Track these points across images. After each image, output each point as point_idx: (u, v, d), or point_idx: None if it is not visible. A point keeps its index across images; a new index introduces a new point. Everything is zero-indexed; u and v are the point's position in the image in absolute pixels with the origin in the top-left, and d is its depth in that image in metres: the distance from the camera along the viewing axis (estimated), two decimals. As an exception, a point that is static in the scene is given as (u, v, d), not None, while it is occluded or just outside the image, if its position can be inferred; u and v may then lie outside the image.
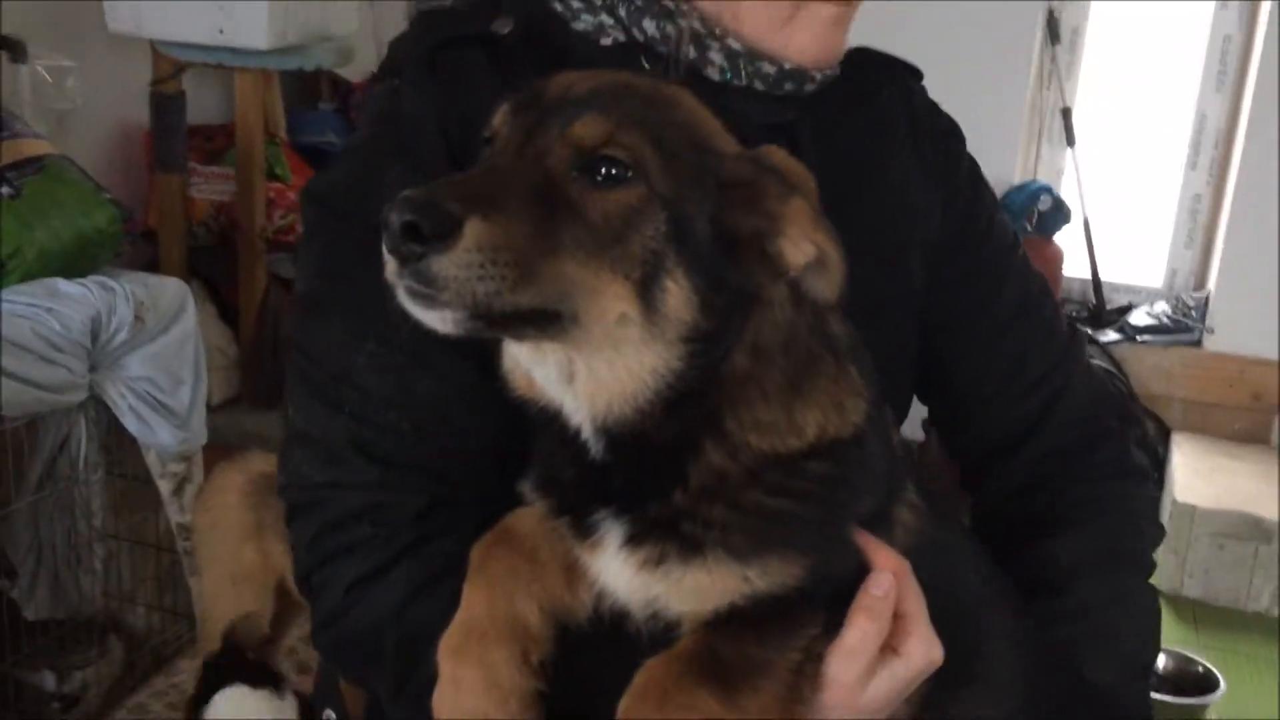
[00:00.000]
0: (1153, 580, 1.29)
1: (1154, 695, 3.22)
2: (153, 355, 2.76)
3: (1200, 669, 3.36)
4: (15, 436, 2.67)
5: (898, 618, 0.95)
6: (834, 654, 0.93)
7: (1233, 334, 4.49)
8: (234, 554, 2.59)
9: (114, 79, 3.66)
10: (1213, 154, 4.58)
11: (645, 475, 0.90)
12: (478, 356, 1.01)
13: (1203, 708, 3.27)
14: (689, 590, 0.90)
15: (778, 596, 0.90)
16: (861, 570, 0.95)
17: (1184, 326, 4.56)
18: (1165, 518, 4.04)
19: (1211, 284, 4.57)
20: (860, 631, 0.93)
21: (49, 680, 2.90)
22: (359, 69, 4.44)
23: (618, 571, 0.92)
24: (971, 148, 1.27)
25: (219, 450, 3.15)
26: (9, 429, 2.62)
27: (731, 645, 0.89)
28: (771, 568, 0.89)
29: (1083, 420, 1.29)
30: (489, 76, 1.08)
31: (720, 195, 0.86)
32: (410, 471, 1.05)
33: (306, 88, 4.57)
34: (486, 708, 0.90)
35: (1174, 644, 3.55)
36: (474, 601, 0.93)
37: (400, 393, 1.04)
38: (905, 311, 1.23)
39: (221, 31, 3.35)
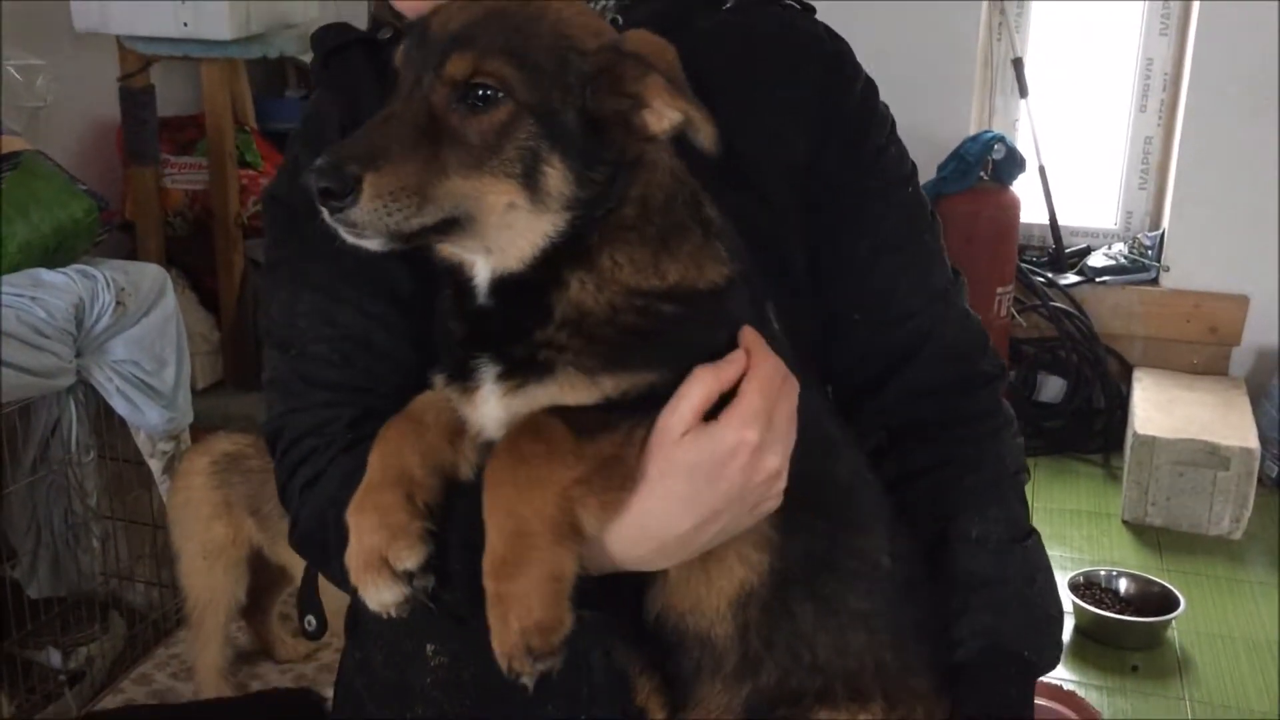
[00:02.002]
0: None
1: (1119, 616, 3.38)
2: (136, 338, 2.87)
3: (1159, 590, 3.50)
4: (9, 421, 2.78)
5: (735, 395, 1.05)
6: (667, 405, 1.05)
7: (1188, 270, 4.63)
8: (205, 531, 2.78)
9: (83, 76, 3.74)
10: (1161, 97, 4.71)
11: (519, 314, 1.07)
12: (389, 294, 1.23)
13: (1165, 625, 3.41)
14: (544, 404, 1.04)
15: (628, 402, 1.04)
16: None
17: (1141, 266, 4.70)
18: (1127, 450, 4.18)
19: (1165, 223, 4.71)
20: (694, 382, 1.04)
21: (55, 657, 3.02)
22: (323, 55, 4.52)
23: (491, 409, 1.07)
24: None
25: (205, 433, 3.26)
26: (3, 414, 2.72)
27: (581, 413, 1.03)
28: (622, 381, 1.04)
29: (954, 360, 1.31)
30: (371, 72, 1.31)
31: (586, 86, 1.03)
32: (344, 390, 1.24)
33: (273, 76, 4.66)
34: (381, 545, 1.04)
35: (1137, 569, 3.70)
36: (372, 465, 1.09)
37: (328, 328, 1.25)
38: (776, 236, 1.30)
39: (185, 24, 3.44)
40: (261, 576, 2.88)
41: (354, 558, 1.05)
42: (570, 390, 1.04)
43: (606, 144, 1.04)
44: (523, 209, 1.03)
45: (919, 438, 1.31)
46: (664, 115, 1.04)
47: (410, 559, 1.03)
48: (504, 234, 1.05)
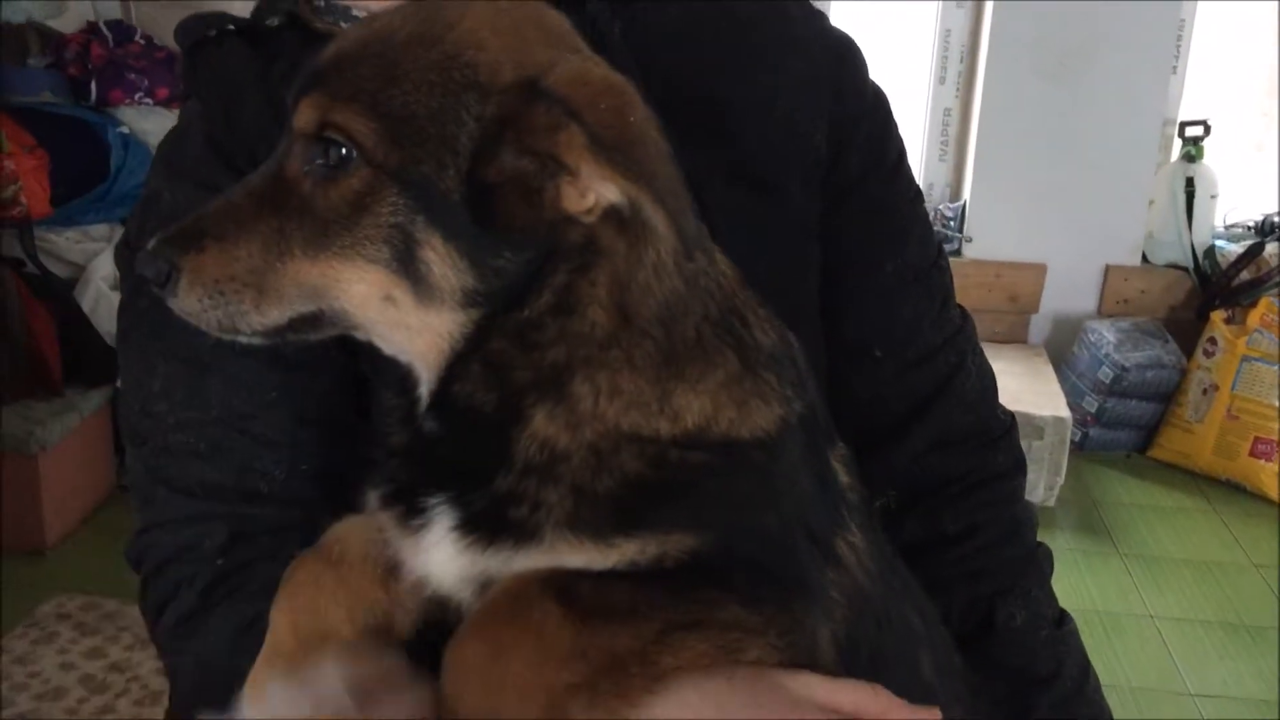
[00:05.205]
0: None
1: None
2: None
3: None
4: None
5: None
6: (805, 672, 0.79)
7: (988, 241, 4.69)
8: None
9: None
10: (959, 68, 4.73)
11: (471, 451, 0.81)
12: (270, 355, 0.96)
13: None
14: (526, 568, 0.78)
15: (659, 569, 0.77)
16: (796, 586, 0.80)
17: (944, 237, 4.73)
18: (945, 424, 4.20)
19: (966, 194, 4.75)
20: (864, 690, 0.80)
21: None
22: (72, 20, 4.02)
23: (443, 559, 0.81)
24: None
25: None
26: None
27: (591, 581, 0.76)
28: (649, 544, 0.77)
29: (974, 406, 1.18)
30: (252, 70, 1.03)
31: (483, 141, 0.77)
32: (215, 495, 0.98)
33: (12, 43, 4.08)
34: None
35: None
36: (278, 627, 0.83)
37: (191, 408, 0.98)
38: (789, 240, 1.09)
39: (-90, -17, 2.92)
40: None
41: None
42: (571, 556, 0.77)
43: (507, 221, 0.77)
44: (406, 304, 0.78)
45: (944, 497, 1.14)
46: (588, 189, 0.76)
47: None
48: (398, 336, 0.81)
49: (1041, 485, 4.07)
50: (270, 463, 0.98)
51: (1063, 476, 4.07)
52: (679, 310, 0.81)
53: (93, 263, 3.81)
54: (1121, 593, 3.60)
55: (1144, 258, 4.70)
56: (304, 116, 0.78)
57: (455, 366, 0.80)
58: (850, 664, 0.84)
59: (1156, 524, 4.01)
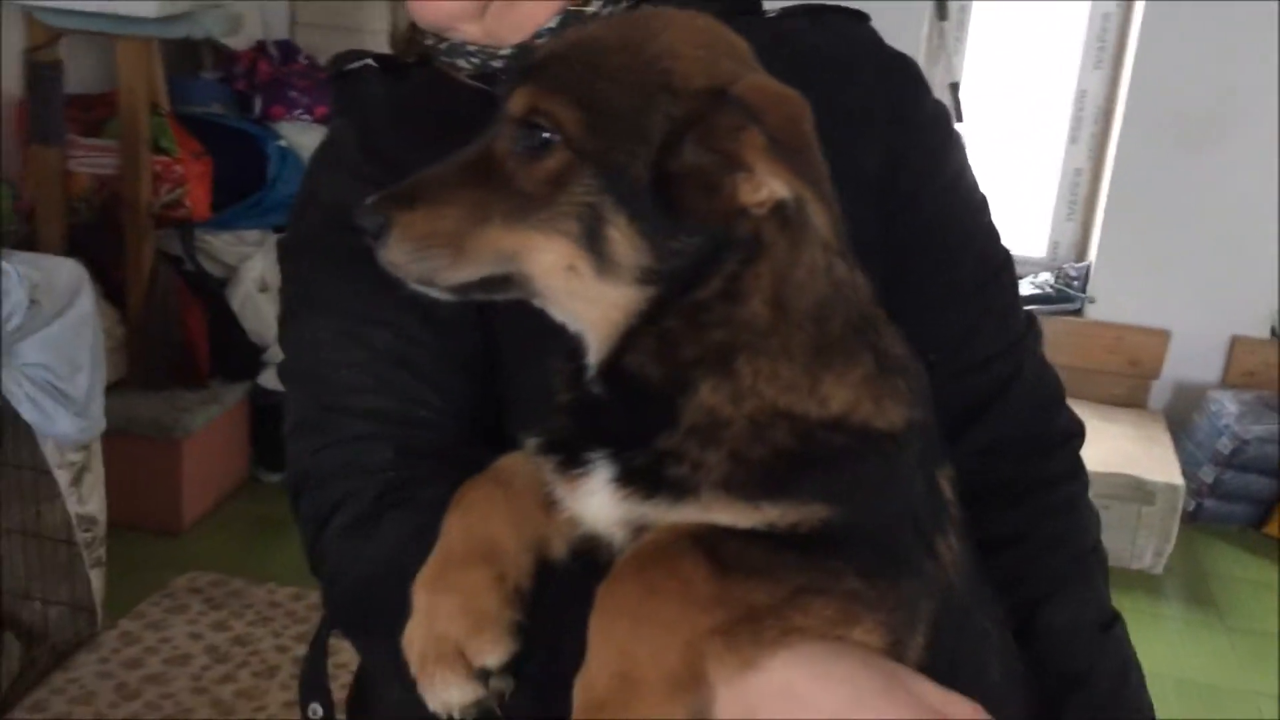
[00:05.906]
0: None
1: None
2: (49, 340, 2.63)
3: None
4: (-99, 427, 2.52)
5: None
6: (920, 676, 0.87)
7: (1112, 303, 4.67)
8: None
9: (-16, 46, 3.46)
10: (1092, 129, 4.74)
11: (638, 414, 0.90)
12: (424, 314, 1.07)
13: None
14: (678, 520, 0.88)
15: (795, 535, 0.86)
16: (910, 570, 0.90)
17: (1066, 296, 4.73)
18: (1054, 481, 4.18)
19: (1092, 255, 4.74)
20: (952, 702, 0.86)
21: (-61, 683, 2.77)
22: (244, 38, 4.28)
23: (601, 506, 0.91)
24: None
25: (109, 437, 3.04)
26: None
27: (735, 539, 0.85)
28: (790, 511, 0.86)
29: (1032, 415, 1.20)
30: (384, 96, 1.19)
31: (671, 135, 0.87)
32: (381, 419, 1.08)
33: (186, 56, 4.38)
34: (461, 633, 0.88)
35: (1067, 603, 3.69)
36: (451, 532, 0.93)
37: (359, 350, 1.09)
38: None
39: (108, -3, 3.19)
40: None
41: (420, 643, 0.89)
42: (722, 513, 0.87)
43: (686, 209, 0.87)
44: (587, 275, 0.88)
45: (995, 502, 1.17)
46: (762, 185, 0.86)
47: (493, 656, 0.88)
48: (576, 304, 0.91)
49: (1150, 551, 4.03)
50: (430, 392, 1.08)
51: (1172, 544, 4.02)
52: (828, 309, 0.91)
53: (244, 265, 4.05)
54: (1224, 667, 3.55)
55: (1273, 331, 4.63)
56: (517, 103, 0.89)
57: (628, 339, 0.90)
58: (931, 654, 0.91)
59: (1267, 600, 3.93)
